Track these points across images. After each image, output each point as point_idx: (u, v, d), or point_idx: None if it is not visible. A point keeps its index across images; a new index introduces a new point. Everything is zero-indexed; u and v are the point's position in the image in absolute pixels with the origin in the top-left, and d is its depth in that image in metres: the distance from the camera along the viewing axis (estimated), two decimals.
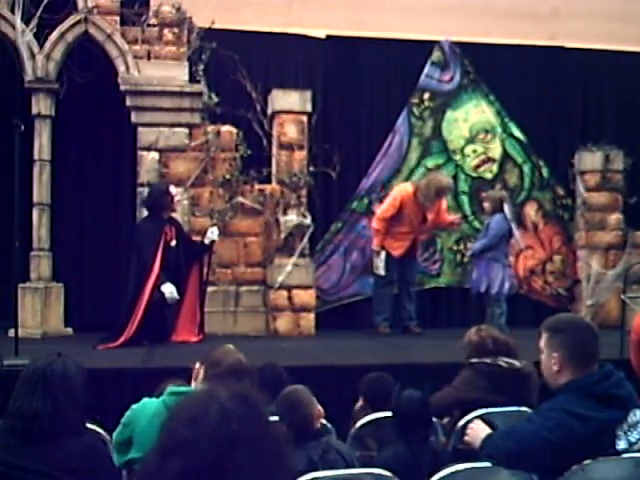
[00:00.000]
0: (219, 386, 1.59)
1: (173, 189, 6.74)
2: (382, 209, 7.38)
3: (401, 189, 7.46)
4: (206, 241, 6.79)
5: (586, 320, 3.01)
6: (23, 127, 5.70)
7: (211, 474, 1.45)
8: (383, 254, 7.26)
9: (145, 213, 6.84)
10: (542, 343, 2.86)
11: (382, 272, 7.27)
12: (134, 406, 3.01)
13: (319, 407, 3.14)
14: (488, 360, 3.74)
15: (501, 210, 7.17)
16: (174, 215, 6.83)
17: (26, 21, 7.09)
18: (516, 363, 3.72)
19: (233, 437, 1.47)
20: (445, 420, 3.79)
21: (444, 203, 7.56)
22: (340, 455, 3.00)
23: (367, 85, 8.48)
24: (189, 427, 1.49)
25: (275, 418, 3.28)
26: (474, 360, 3.80)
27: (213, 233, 6.80)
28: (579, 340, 2.80)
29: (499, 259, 7.13)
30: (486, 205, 7.32)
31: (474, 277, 7.30)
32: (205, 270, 6.84)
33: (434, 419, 3.64)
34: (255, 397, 1.58)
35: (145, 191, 7.04)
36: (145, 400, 3.05)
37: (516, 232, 7.50)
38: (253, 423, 1.51)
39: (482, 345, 3.80)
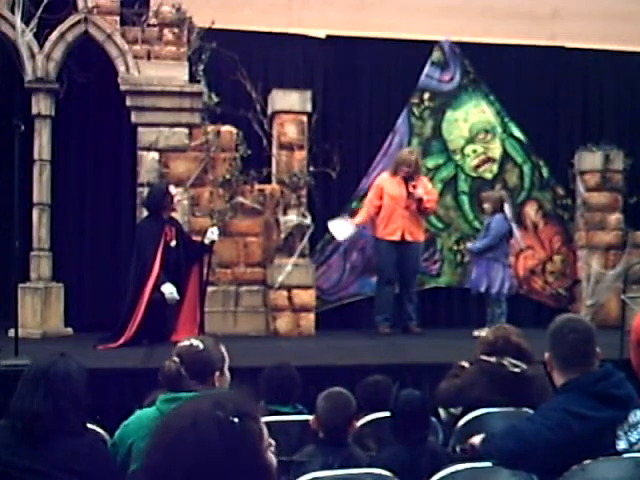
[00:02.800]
0: (209, 402, 1.48)
1: (173, 189, 6.74)
2: (366, 200, 7.54)
3: (378, 178, 7.63)
4: (206, 241, 6.79)
5: (581, 321, 2.98)
6: (23, 127, 5.70)
7: None
8: (355, 229, 7.45)
9: (145, 213, 6.84)
10: None
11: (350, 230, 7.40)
12: (125, 422, 2.99)
13: (355, 422, 3.13)
14: (493, 359, 3.75)
15: (501, 210, 7.19)
16: (174, 215, 6.83)
17: (26, 21, 7.08)
18: (522, 365, 3.72)
19: (208, 471, 1.41)
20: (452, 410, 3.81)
21: (427, 183, 7.60)
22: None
23: (367, 85, 8.49)
24: (164, 457, 1.44)
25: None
26: (481, 357, 3.82)
27: (213, 233, 6.80)
28: (562, 342, 2.82)
29: (500, 259, 7.15)
30: (486, 206, 7.32)
31: (474, 277, 7.30)
32: (205, 270, 6.84)
33: (434, 419, 3.65)
34: (247, 414, 1.47)
35: (145, 191, 7.03)
36: (137, 412, 3.04)
37: (517, 232, 7.49)
38: (233, 453, 1.42)
39: (493, 344, 3.82)
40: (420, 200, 7.36)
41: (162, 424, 1.52)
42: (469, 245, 7.59)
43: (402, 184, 7.35)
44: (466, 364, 4.02)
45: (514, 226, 7.42)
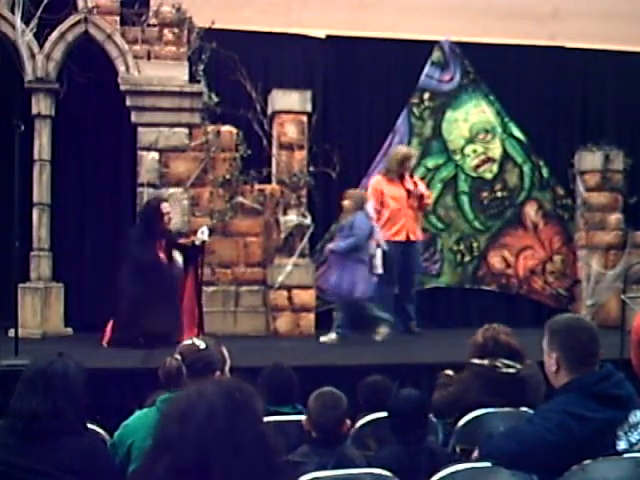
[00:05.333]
0: (210, 382, 1.60)
1: (166, 207, 6.66)
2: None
3: (372, 181, 7.53)
4: (197, 242, 6.77)
5: (586, 321, 2.99)
6: (23, 127, 5.71)
7: (199, 472, 1.46)
8: (379, 252, 7.22)
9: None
10: (544, 343, 2.86)
11: (380, 270, 7.22)
12: (125, 422, 3.01)
13: (347, 420, 3.13)
14: (485, 362, 3.72)
15: (362, 208, 6.77)
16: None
17: (26, 21, 7.09)
18: (516, 365, 3.70)
19: (220, 434, 1.48)
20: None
21: (419, 182, 7.56)
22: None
23: (367, 85, 8.48)
24: (177, 425, 1.51)
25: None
26: (473, 361, 3.80)
27: (203, 233, 6.78)
28: (574, 341, 2.79)
29: (364, 260, 6.71)
30: (347, 203, 6.90)
31: (334, 279, 6.80)
32: (200, 271, 6.85)
33: (433, 419, 3.64)
34: (245, 392, 1.58)
35: (145, 191, 7.05)
36: (137, 413, 3.06)
37: (377, 231, 6.89)
38: (241, 421, 1.52)
39: (483, 346, 3.79)
40: (421, 196, 7.39)
41: (171, 402, 1.62)
42: (331, 245, 6.99)
43: (399, 183, 7.34)
44: (451, 372, 4.00)
45: (375, 225, 6.89)
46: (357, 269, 6.65)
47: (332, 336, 6.77)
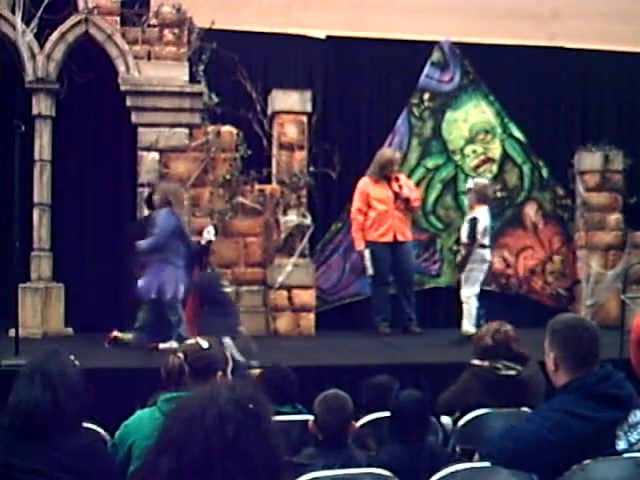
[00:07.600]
0: (225, 387, 1.58)
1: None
2: (352, 209, 7.43)
3: (360, 183, 7.50)
4: (202, 242, 6.75)
5: (587, 321, 2.99)
6: (23, 127, 5.70)
7: (200, 476, 1.45)
8: (367, 253, 7.24)
9: (146, 212, 6.83)
10: (545, 343, 2.87)
11: (371, 271, 7.26)
12: (126, 422, 3.00)
13: (354, 423, 3.13)
14: (486, 364, 3.72)
15: (168, 204, 6.30)
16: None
17: (27, 21, 7.10)
18: (516, 367, 3.70)
19: (226, 442, 1.47)
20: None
21: (408, 181, 7.59)
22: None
23: (367, 85, 8.49)
24: (184, 428, 1.50)
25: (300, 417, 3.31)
26: (474, 362, 3.80)
27: (209, 233, 6.75)
28: (573, 341, 2.80)
29: (171, 260, 6.21)
30: (155, 198, 6.41)
31: (142, 281, 6.22)
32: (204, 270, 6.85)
33: (433, 419, 3.65)
34: (259, 403, 1.57)
35: (145, 191, 7.05)
36: (138, 412, 3.06)
37: (186, 228, 6.45)
38: (249, 432, 1.51)
39: (493, 348, 3.77)
40: (407, 200, 7.38)
41: (182, 403, 1.60)
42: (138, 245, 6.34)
43: (386, 185, 7.33)
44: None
45: (186, 221, 6.49)
46: (162, 270, 6.17)
47: (173, 344, 5.85)
